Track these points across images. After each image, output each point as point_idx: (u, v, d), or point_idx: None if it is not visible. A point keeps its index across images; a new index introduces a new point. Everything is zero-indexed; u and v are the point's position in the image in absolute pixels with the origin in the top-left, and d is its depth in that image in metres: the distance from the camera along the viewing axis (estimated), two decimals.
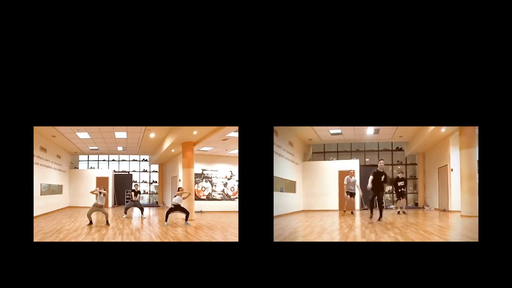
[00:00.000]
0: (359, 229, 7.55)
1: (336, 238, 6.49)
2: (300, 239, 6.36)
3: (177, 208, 9.76)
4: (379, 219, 8.91)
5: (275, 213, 9.94)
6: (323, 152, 15.84)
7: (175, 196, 9.94)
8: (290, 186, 12.46)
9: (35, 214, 10.39)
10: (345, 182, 11.40)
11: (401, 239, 6.05)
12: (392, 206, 12.99)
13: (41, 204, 11.89)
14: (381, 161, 9.30)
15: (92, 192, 9.55)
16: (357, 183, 11.69)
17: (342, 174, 12.74)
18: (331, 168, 13.78)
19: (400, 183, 11.57)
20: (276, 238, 6.08)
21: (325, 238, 6.39)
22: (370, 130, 12.62)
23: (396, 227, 7.64)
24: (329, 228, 7.84)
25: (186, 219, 9.90)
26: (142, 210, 11.67)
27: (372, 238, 6.30)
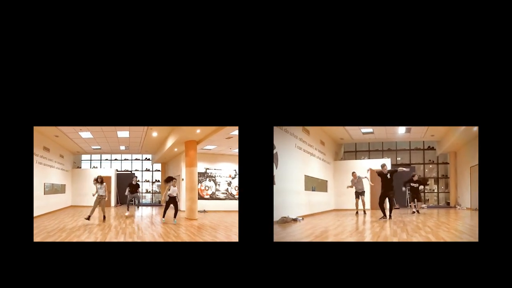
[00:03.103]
0: (391, 228, 7.53)
1: (367, 237, 6.51)
2: (331, 238, 6.36)
3: (171, 201, 9.72)
4: (389, 218, 9.06)
5: (307, 212, 10.10)
6: (355, 151, 15.79)
7: (169, 189, 9.89)
8: (322, 185, 12.46)
9: (38, 213, 10.50)
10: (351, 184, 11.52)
11: (432, 238, 6.03)
12: (423, 205, 12.95)
13: (44, 203, 11.92)
14: (384, 165, 9.47)
15: (94, 194, 9.60)
16: (366, 176, 11.70)
17: (374, 173, 12.77)
18: (362, 167, 13.68)
19: (414, 185, 11.59)
20: (308, 237, 6.13)
21: (356, 237, 6.43)
22: (401, 129, 12.64)
23: (428, 226, 7.63)
24: (360, 227, 7.86)
25: (175, 216, 9.78)
26: (138, 205, 11.68)
27: (403, 237, 6.30)
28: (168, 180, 9.87)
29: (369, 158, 15.11)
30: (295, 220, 8.62)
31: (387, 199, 9.54)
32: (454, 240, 5.85)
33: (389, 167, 13.29)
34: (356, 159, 15.25)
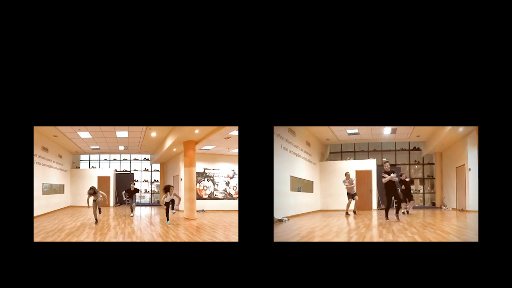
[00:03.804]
0: (376, 229, 7.54)
1: (353, 238, 6.52)
2: (317, 238, 6.36)
3: (169, 202, 9.86)
4: (407, 213, 9.00)
5: (293, 213, 10.13)
6: (340, 152, 15.82)
7: (166, 197, 10.00)
8: (308, 186, 12.47)
9: (37, 213, 10.49)
10: (346, 184, 11.55)
11: (418, 239, 6.04)
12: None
13: (43, 203, 11.92)
14: (387, 163, 9.39)
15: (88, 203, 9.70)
16: (354, 182, 11.80)
17: (360, 174, 12.76)
18: (348, 168, 13.75)
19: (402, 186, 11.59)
20: (294, 238, 6.13)
21: (343, 238, 6.42)
22: (387, 130, 12.63)
23: (414, 227, 7.64)
24: (346, 228, 7.86)
25: (172, 208, 10.00)
26: (132, 209, 11.85)
27: (389, 238, 6.31)
28: (167, 189, 10.04)
29: (354, 159, 15.12)
30: (280, 220, 8.63)
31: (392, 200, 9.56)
32: (439, 241, 5.87)
33: (375, 168, 13.41)
34: (341, 160, 15.26)
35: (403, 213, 11.17)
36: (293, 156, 10.78)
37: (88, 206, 9.72)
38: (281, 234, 6.81)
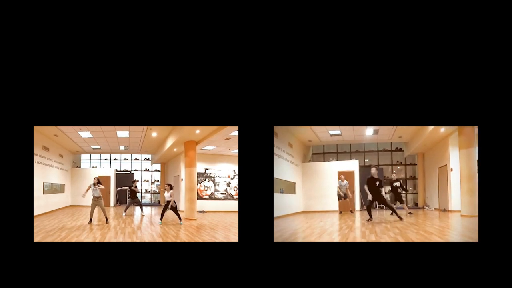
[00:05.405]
0: (359, 230, 7.55)
1: (336, 239, 6.51)
2: (300, 240, 6.36)
3: (168, 204, 9.76)
4: (400, 219, 9.04)
5: (275, 215, 10.00)
6: (323, 153, 15.84)
7: (166, 193, 9.91)
8: (290, 188, 12.44)
9: (37, 212, 10.49)
10: (337, 185, 11.63)
11: (401, 240, 6.05)
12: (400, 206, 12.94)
13: (43, 203, 11.92)
14: (373, 169, 9.39)
15: (85, 193, 9.58)
16: (347, 185, 11.86)
17: (342, 175, 12.78)
18: (330, 169, 13.79)
19: (396, 184, 11.52)
20: (276, 239, 6.09)
21: (325, 239, 6.39)
22: (369, 131, 12.62)
23: (396, 228, 7.63)
24: (329, 229, 7.85)
25: (179, 218, 9.89)
26: (141, 207, 11.85)
27: (372, 238, 6.30)
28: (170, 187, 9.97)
29: (337, 160, 15.13)
30: None
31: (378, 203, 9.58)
32: (422, 241, 5.88)
33: (357, 169, 13.44)
34: (324, 161, 15.27)
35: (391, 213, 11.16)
36: (275, 158, 10.67)
37: (85, 193, 9.56)
38: None
